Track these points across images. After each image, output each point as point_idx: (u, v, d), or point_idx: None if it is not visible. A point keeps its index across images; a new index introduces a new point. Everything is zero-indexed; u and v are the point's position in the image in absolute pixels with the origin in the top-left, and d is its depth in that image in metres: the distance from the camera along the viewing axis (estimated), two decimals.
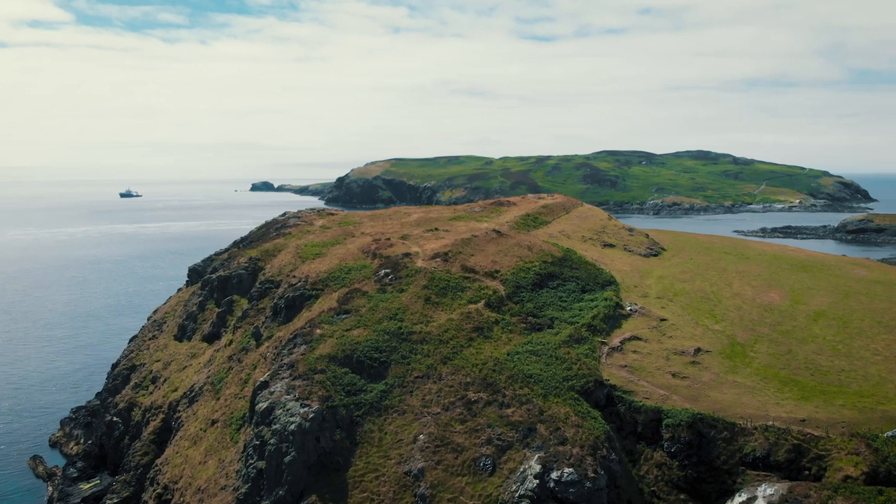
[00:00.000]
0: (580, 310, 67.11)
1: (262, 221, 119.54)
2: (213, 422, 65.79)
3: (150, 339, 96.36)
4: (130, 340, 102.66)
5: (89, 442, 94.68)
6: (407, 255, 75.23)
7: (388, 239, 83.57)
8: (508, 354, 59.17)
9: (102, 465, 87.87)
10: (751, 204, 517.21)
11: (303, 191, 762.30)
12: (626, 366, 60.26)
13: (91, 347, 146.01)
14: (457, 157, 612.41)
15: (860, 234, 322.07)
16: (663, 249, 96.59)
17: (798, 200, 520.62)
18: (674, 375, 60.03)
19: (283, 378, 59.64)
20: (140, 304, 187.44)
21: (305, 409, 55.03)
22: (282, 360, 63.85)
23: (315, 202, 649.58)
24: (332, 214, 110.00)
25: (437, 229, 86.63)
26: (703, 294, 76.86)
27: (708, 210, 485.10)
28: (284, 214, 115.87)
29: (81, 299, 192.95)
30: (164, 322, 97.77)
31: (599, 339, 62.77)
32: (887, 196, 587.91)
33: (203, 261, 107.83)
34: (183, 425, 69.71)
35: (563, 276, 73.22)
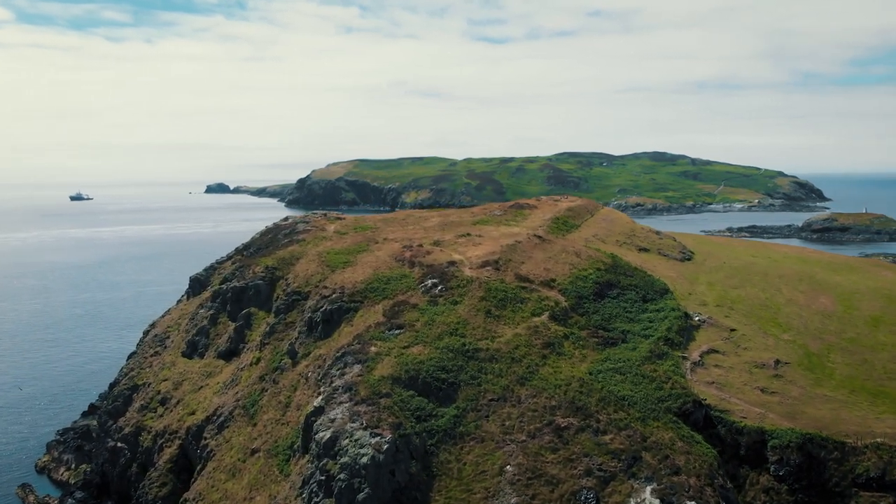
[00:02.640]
0: (650, 321, 62.78)
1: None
2: (254, 451, 59.23)
3: (152, 356, 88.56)
4: (129, 357, 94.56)
5: (87, 469, 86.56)
6: (452, 263, 69.77)
7: (421, 246, 77.94)
8: (590, 373, 54.32)
9: (105, 495, 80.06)
10: (711, 204, 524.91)
11: (260, 192, 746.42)
12: (713, 382, 56.11)
13: (65, 362, 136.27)
14: (420, 158, 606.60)
15: (825, 232, 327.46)
16: (693, 253, 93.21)
17: (757, 200, 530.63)
18: (763, 391, 56.17)
19: (341, 403, 53.60)
20: (109, 314, 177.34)
21: (377, 438, 49.19)
22: (331, 381, 57.77)
23: (274, 204, 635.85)
24: (341, 218, 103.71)
25: (469, 234, 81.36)
26: (760, 301, 73.44)
27: (671, 210, 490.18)
28: (287, 219, 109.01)
29: (46, 310, 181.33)
30: (168, 337, 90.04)
31: (679, 354, 58.50)
32: (840, 195, 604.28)
33: (205, 270, 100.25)
34: (214, 455, 62.84)
35: (621, 284, 68.81)
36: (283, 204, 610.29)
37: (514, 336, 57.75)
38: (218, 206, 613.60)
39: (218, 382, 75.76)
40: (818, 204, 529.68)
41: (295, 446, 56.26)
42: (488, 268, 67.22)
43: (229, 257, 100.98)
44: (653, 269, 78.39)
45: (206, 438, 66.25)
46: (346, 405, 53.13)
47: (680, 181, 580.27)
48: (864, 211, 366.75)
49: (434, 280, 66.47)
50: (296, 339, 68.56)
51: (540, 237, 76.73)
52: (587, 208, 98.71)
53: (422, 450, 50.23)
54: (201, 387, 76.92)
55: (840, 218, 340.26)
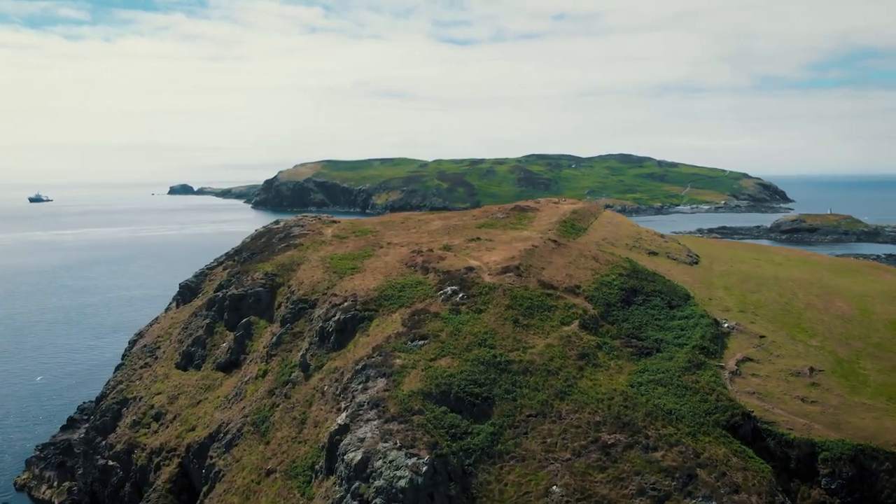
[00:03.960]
0: (681, 329, 60.67)
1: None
2: (269, 472, 55.44)
3: (142, 368, 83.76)
4: (116, 369, 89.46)
5: (74, 488, 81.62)
6: (470, 269, 66.77)
7: (431, 251, 74.81)
8: (631, 386, 51.88)
9: None
10: (679, 205, 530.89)
11: (225, 193, 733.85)
12: (754, 392, 54.16)
13: (37, 373, 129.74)
14: (390, 159, 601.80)
15: (794, 233, 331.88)
16: (698, 256, 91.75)
17: (723, 201, 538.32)
18: (803, 400, 54.42)
19: (369, 420, 50.24)
20: (80, 321, 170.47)
21: (413, 459, 46.00)
22: (353, 396, 54.36)
23: (241, 205, 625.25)
24: (336, 222, 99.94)
25: (479, 239, 78.50)
26: (780, 306, 72.03)
27: (640, 211, 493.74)
28: (278, 222, 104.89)
29: (13, 316, 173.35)
30: (158, 347, 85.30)
31: (715, 363, 56.43)
32: (803, 197, 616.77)
33: (195, 276, 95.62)
34: (224, 476, 58.83)
35: (645, 290, 66.64)
36: (250, 205, 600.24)
37: (546, 347, 55.03)
38: (182, 208, 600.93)
39: (218, 396, 71.59)
40: (782, 205, 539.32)
41: (316, 467, 52.71)
42: (510, 274, 64.37)
43: (220, 263, 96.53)
44: (667, 273, 76.53)
45: (212, 458, 62.15)
46: (375, 423, 49.80)
47: (647, 183, 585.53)
48: (828, 212, 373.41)
49: (454, 287, 63.40)
50: (306, 349, 64.86)
51: (555, 241, 74.22)
52: (590, 211, 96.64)
53: (459, 471, 47.20)
54: (200, 401, 72.64)
55: (808, 219, 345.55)
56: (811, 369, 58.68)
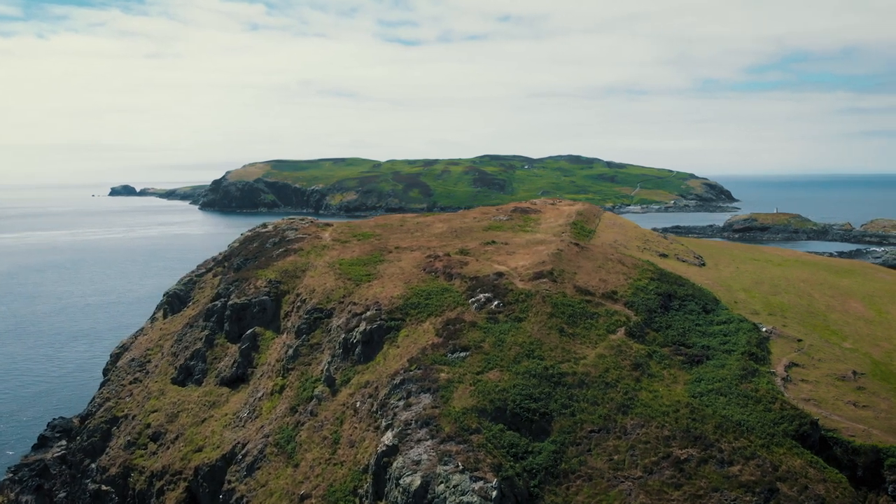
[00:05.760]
0: (724, 335, 58.95)
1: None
2: (303, 497, 51.24)
3: (131, 384, 77.91)
4: (102, 385, 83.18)
5: None
6: (499, 275, 63.72)
7: (448, 255, 71.51)
8: (692, 396, 49.74)
9: None
10: (630, 205, 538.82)
11: (170, 195, 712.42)
12: (809, 399, 52.71)
13: None
14: (342, 159, 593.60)
15: (746, 232, 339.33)
16: (702, 257, 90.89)
17: (672, 201, 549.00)
18: (855, 405, 53.29)
19: (420, 441, 46.74)
20: (35, 331, 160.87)
21: (480, 483, 42.72)
22: (393, 414, 50.68)
23: (187, 207, 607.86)
24: (329, 224, 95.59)
25: (495, 242, 75.53)
26: (804, 308, 71.30)
27: None
28: (266, 225, 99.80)
29: None
30: (149, 361, 79.53)
31: (766, 370, 54.85)
32: (747, 196, 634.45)
33: (183, 284, 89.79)
34: (247, 502, 54.31)
35: (679, 294, 64.80)
36: (197, 206, 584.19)
37: (598, 357, 52.43)
38: (126, 210, 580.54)
39: (226, 414, 66.74)
40: (729, 204, 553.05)
41: (360, 491, 48.89)
42: (544, 279, 61.58)
43: (208, 269, 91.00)
44: (685, 275, 75.04)
45: (230, 482, 57.50)
46: (429, 443, 46.32)
47: (598, 183, 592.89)
48: (775, 211, 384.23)
49: (487, 294, 60.22)
50: (329, 363, 60.76)
51: (578, 244, 71.82)
52: (592, 212, 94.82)
53: (525, 493, 44.17)
54: (205, 419, 67.63)
55: (760, 218, 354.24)
56: (854, 373, 57.77)
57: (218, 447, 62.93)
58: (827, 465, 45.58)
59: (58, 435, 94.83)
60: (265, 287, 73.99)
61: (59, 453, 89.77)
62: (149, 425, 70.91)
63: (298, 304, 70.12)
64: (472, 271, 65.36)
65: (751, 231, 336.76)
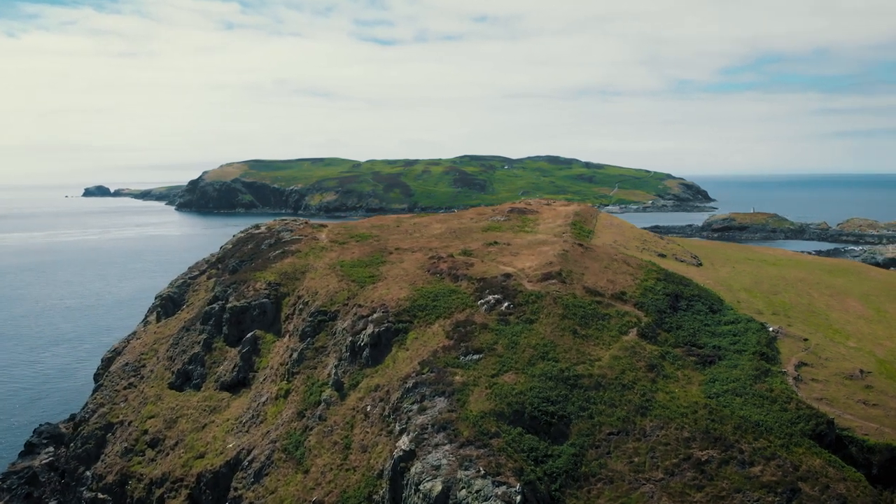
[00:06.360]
0: (733, 335, 59.01)
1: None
2: None
3: (126, 389, 76.16)
4: (95, 390, 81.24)
5: None
6: (507, 276, 63.18)
7: (452, 256, 70.84)
8: (709, 397, 49.62)
9: None
10: (608, 205, 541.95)
11: (145, 195, 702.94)
12: (821, 398, 52.90)
13: None
14: (321, 159, 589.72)
15: (725, 231, 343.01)
16: (698, 257, 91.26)
17: (650, 201, 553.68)
18: (865, 404, 53.58)
19: (438, 445, 46.03)
20: (14, 334, 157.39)
21: (503, 488, 42.11)
22: (409, 418, 49.92)
23: (163, 207, 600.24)
24: (324, 225, 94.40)
25: (497, 243, 75.00)
26: (805, 308, 71.78)
27: None
28: (258, 226, 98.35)
29: None
30: (143, 366, 77.81)
31: (777, 369, 54.96)
32: (723, 196, 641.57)
33: (177, 287, 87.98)
34: None
35: (685, 295, 64.81)
36: (174, 207, 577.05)
37: (612, 359, 52.13)
38: (101, 211, 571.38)
39: (227, 419, 65.43)
40: (706, 204, 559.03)
41: (375, 497, 48.01)
42: (553, 281, 61.18)
43: (202, 271, 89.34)
44: (686, 276, 75.15)
45: (237, 489, 56.28)
46: (447, 448, 45.63)
47: (577, 183, 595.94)
48: (752, 210, 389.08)
49: (496, 296, 59.67)
50: (335, 366, 59.78)
51: (582, 245, 71.56)
52: (589, 213, 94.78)
53: (547, 497, 43.69)
54: (205, 425, 66.24)
55: (738, 217, 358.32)
56: (861, 371, 58.16)
57: (221, 453, 61.65)
58: (845, 465, 45.70)
59: (45, 441, 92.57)
60: (264, 289, 72.75)
61: (48, 460, 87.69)
62: (146, 431, 69.34)
63: (300, 306, 69.01)
64: (479, 272, 64.78)
65: (730, 230, 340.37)
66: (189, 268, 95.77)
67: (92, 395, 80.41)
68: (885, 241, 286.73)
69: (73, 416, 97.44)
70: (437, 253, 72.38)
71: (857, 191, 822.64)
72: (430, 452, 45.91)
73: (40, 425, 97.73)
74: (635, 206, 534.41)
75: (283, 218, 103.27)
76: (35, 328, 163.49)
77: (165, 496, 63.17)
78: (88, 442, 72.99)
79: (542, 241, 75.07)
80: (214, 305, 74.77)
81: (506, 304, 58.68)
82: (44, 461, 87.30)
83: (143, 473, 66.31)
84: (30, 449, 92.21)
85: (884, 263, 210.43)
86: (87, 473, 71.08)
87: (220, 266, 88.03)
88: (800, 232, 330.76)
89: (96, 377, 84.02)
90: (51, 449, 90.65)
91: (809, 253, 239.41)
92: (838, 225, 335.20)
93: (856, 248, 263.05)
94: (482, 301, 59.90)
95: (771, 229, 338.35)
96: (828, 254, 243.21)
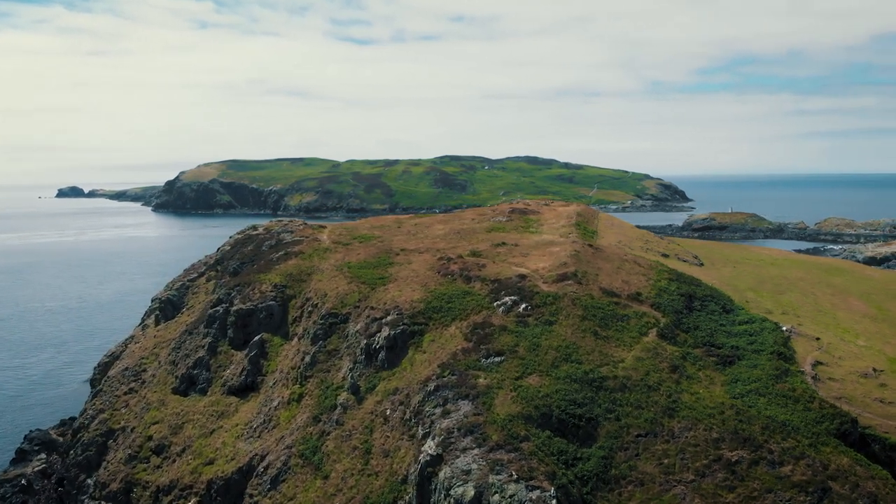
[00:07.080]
0: (749, 334, 59.16)
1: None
2: None
3: (126, 394, 74.46)
4: (93, 396, 79.33)
5: None
6: (522, 277, 62.76)
7: (461, 257, 70.26)
8: (733, 398, 49.61)
9: None
10: (589, 205, 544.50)
11: (120, 196, 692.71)
12: (840, 397, 53.17)
13: None
14: (301, 159, 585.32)
15: (706, 231, 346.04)
16: (699, 257, 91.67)
17: (629, 201, 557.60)
18: (882, 402, 53.95)
19: (467, 449, 45.41)
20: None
21: (536, 493, 41.61)
22: (432, 422, 49.24)
23: (139, 208, 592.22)
24: (323, 227, 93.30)
25: (505, 244, 74.58)
26: (812, 307, 72.33)
27: None
28: (256, 227, 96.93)
29: None
30: (144, 370, 76.16)
31: (796, 369, 55.17)
32: (700, 196, 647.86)
33: (176, 289, 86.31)
34: None
35: (698, 295, 64.91)
36: (150, 208, 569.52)
37: (636, 360, 51.94)
38: (75, 212, 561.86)
39: (237, 424, 64.20)
40: (684, 204, 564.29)
41: (400, 502, 47.27)
42: (569, 282, 60.87)
43: (200, 273, 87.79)
44: (694, 275, 75.35)
45: (252, 496, 55.15)
46: (476, 452, 45.04)
47: (557, 184, 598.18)
48: (730, 210, 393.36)
49: (513, 297, 59.19)
50: (350, 369, 58.91)
51: (591, 246, 71.41)
52: (590, 213, 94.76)
53: (579, 500, 43.28)
54: (213, 430, 64.93)
55: (718, 217, 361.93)
56: (874, 369, 58.61)
57: (232, 459, 60.45)
58: (871, 463, 45.93)
59: (37, 448, 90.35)
60: (271, 292, 71.56)
61: (40, 467, 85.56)
62: (150, 437, 67.85)
63: (309, 308, 67.96)
64: (492, 273, 64.29)
65: (710, 230, 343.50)
66: (185, 270, 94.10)
67: (90, 400, 78.54)
68: (863, 239, 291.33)
69: (63, 422, 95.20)
70: (446, 254, 71.76)
71: (832, 191, 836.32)
72: (458, 457, 45.27)
73: (31, 431, 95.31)
74: (614, 207, 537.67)
75: (281, 219, 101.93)
76: (18, 332, 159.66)
77: None
78: (89, 449, 71.25)
79: (550, 242, 74.80)
80: (218, 308, 73.41)
81: (523, 305, 58.24)
82: (36, 468, 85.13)
83: (148, 481, 64.83)
84: (21, 456, 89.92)
85: (864, 262, 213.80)
86: (89, 481, 69.38)
87: (219, 268, 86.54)
88: (778, 231, 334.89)
89: (93, 383, 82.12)
90: (43, 456, 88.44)
91: (799, 251, 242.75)
92: (816, 224, 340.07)
93: (835, 248, 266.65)
94: (498, 303, 59.40)
95: (750, 229, 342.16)
96: (807, 252, 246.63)
